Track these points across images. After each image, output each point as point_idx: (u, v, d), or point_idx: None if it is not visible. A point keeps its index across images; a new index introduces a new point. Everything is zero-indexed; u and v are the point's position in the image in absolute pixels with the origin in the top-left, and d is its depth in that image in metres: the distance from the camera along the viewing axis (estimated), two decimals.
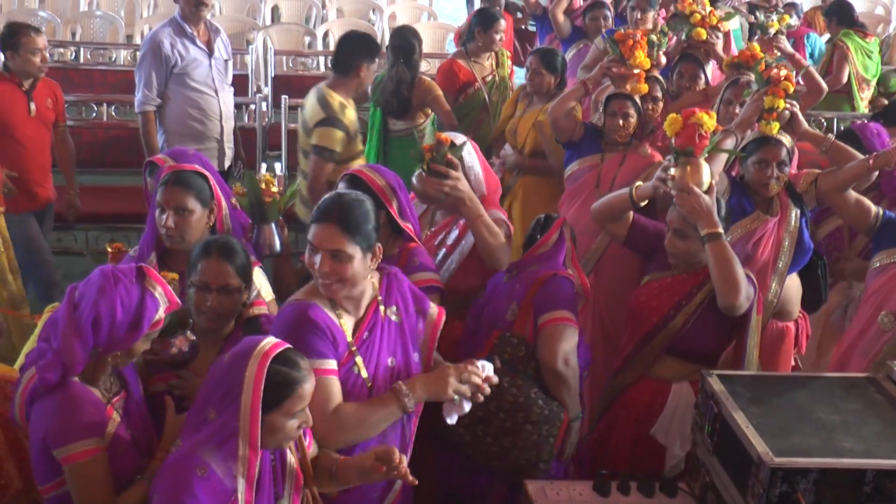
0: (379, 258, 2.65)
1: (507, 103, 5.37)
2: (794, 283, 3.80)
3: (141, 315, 2.40)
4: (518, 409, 3.07)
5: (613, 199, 3.54)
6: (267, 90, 7.19)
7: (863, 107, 6.84)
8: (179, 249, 3.07)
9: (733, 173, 3.93)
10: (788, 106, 3.76)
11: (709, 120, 3.22)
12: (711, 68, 4.95)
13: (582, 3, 6.50)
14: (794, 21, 6.77)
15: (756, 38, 5.49)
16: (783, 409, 2.75)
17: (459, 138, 3.41)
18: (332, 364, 2.53)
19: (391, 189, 3.13)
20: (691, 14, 4.98)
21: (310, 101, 4.62)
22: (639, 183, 3.52)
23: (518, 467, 3.11)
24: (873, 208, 3.60)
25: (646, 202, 3.48)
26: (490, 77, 5.73)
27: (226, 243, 2.87)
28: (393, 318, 2.70)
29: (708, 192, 3.25)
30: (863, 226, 3.64)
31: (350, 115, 4.62)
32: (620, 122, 4.32)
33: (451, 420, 2.67)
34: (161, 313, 2.44)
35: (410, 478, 2.41)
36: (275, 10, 9.70)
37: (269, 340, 2.26)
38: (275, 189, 3.55)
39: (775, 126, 3.71)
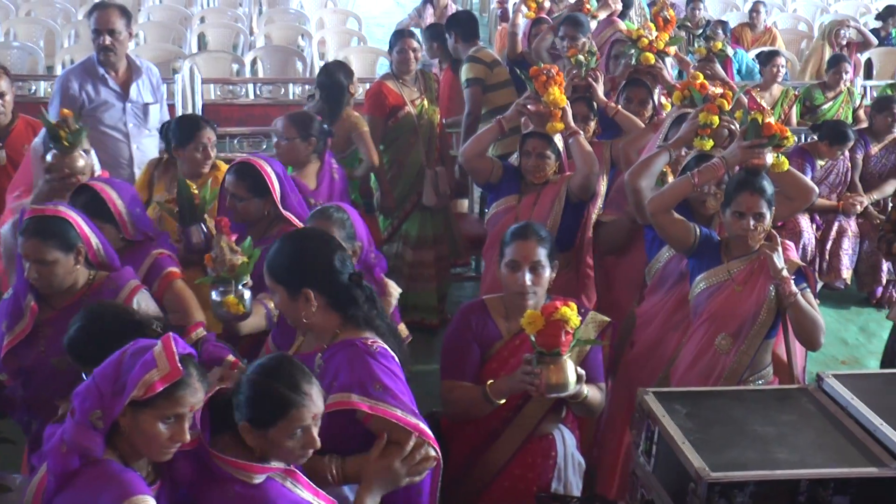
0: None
1: None
2: None
3: (121, 373, 2.15)
4: None
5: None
6: None
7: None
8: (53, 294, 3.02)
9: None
10: (727, 125, 3.69)
11: (573, 315, 2.78)
12: (657, 93, 4.88)
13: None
14: (722, 39, 6.82)
15: (694, 65, 5.47)
16: (720, 423, 2.77)
17: None
18: None
19: (277, 177, 3.57)
20: (639, 39, 4.82)
21: None
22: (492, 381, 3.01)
23: None
24: (692, 225, 3.51)
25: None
26: (419, 101, 5.54)
27: None
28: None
29: (579, 379, 2.88)
30: (685, 245, 3.51)
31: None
32: (536, 162, 4.10)
33: None
34: (154, 377, 2.13)
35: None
36: (201, 37, 9.57)
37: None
38: (196, 191, 3.77)
39: (709, 143, 3.67)
